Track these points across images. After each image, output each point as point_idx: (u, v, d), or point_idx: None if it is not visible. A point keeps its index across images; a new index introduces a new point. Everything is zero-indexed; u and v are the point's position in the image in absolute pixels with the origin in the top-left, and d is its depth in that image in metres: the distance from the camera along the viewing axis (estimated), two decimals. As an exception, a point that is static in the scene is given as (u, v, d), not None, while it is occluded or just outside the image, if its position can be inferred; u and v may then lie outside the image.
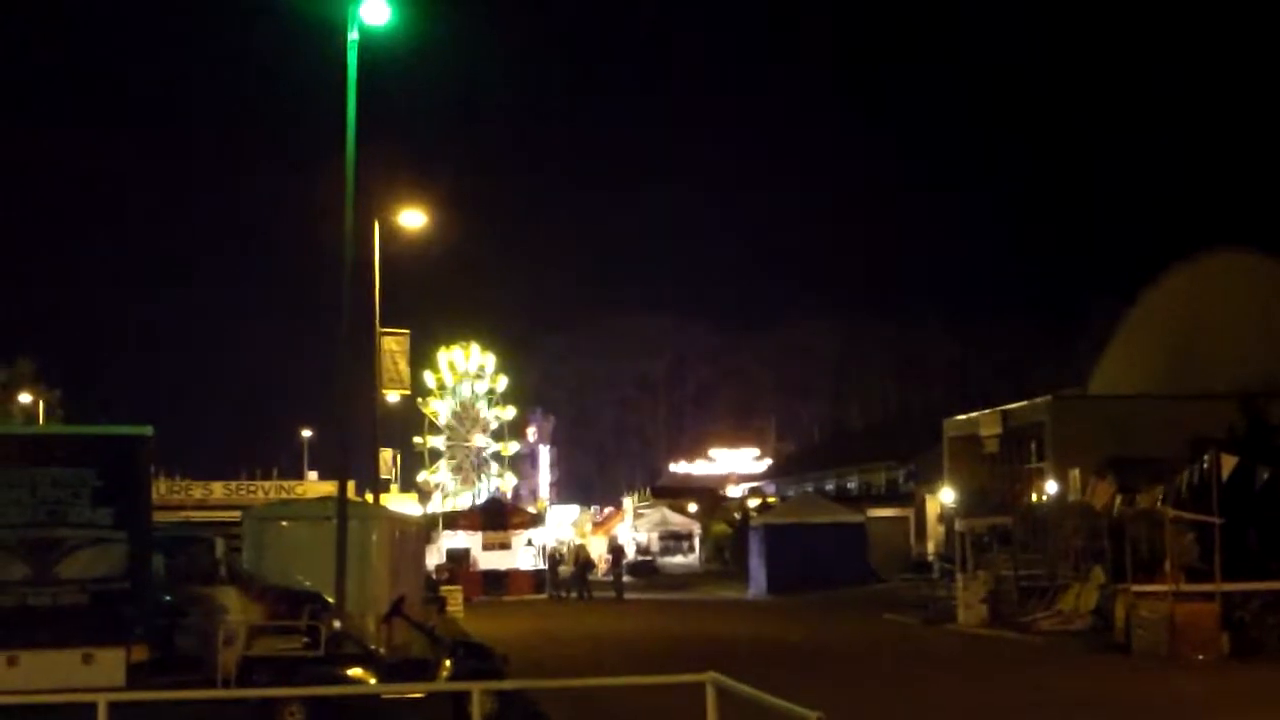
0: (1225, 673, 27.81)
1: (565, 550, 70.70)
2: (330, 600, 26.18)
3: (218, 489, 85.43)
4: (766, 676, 15.69)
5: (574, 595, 60.53)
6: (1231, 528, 32.11)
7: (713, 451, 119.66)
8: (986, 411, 57.56)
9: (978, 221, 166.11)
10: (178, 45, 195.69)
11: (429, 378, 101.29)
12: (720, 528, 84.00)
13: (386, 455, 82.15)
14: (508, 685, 19.83)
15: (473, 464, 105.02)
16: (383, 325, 43.09)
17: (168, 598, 26.18)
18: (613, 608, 54.75)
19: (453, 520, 71.73)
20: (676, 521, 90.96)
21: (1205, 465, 32.02)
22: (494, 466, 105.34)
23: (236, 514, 38.57)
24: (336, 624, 24.08)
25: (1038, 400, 54.32)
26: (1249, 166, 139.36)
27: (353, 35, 27.24)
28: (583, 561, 64.43)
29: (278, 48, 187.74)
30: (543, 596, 61.72)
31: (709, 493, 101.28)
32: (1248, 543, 34.46)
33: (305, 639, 23.35)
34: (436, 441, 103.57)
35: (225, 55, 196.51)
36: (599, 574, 68.42)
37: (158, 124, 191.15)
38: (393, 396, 50.94)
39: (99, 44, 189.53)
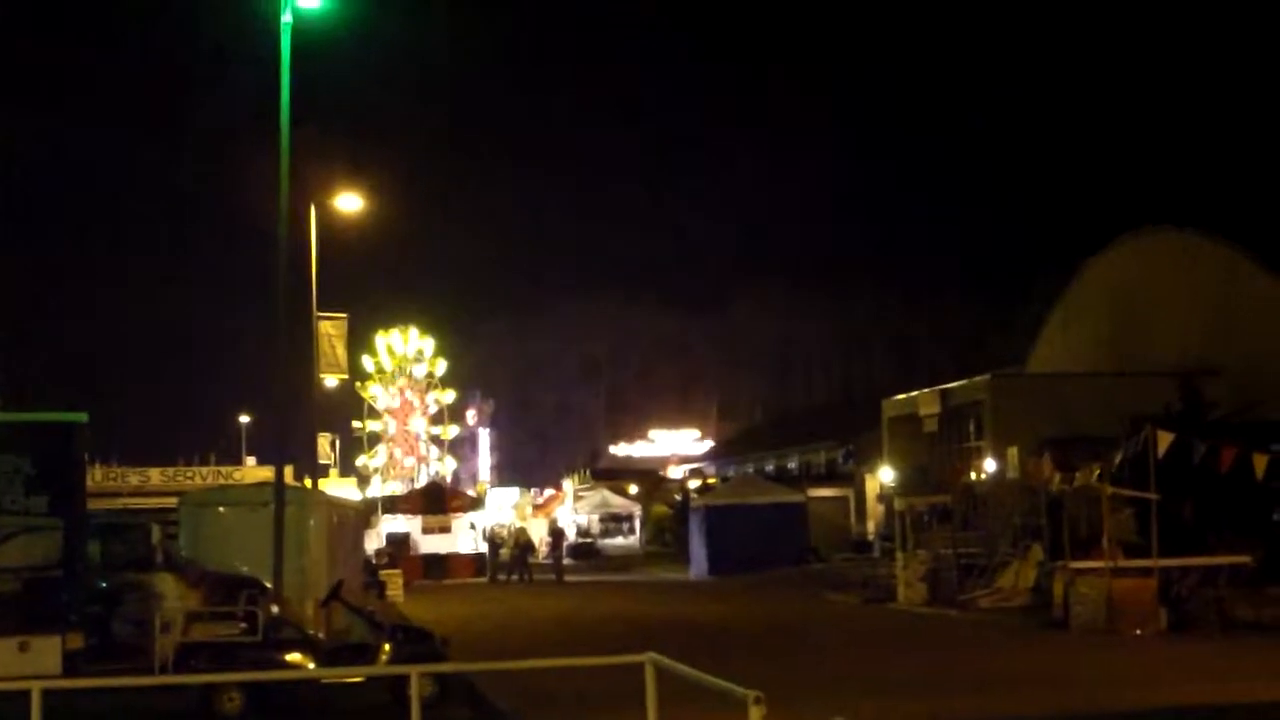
0: (1163, 647, 28.01)
1: (506, 533, 70.50)
2: (268, 585, 26.06)
3: (154, 475, 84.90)
4: (706, 656, 15.71)
5: (515, 578, 60.39)
6: (1168, 504, 32.35)
7: (653, 433, 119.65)
8: (925, 391, 57.79)
9: (922, 198, 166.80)
10: (116, 22, 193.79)
11: (367, 362, 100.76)
12: (661, 509, 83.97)
13: (325, 440, 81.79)
14: (447, 668, 19.74)
15: (411, 448, 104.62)
16: (320, 309, 42.87)
17: (104, 585, 25.99)
18: (554, 590, 54.68)
19: (392, 504, 71.44)
20: (617, 503, 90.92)
21: (1142, 442, 32.24)
22: (434, 450, 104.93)
23: (173, 500, 38.31)
24: (274, 609, 23.94)
25: (976, 379, 54.55)
26: (1190, 146, 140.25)
27: (286, 18, 27.14)
28: (523, 544, 64.28)
29: (215, 28, 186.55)
30: (483, 580, 61.55)
31: (650, 474, 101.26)
32: (1184, 518, 34.73)
33: (243, 625, 23.20)
34: (375, 426, 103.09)
35: (163, 34, 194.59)
36: (539, 556, 68.27)
37: (91, 101, 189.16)
38: (331, 381, 50.69)
39: (30, 13, 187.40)
